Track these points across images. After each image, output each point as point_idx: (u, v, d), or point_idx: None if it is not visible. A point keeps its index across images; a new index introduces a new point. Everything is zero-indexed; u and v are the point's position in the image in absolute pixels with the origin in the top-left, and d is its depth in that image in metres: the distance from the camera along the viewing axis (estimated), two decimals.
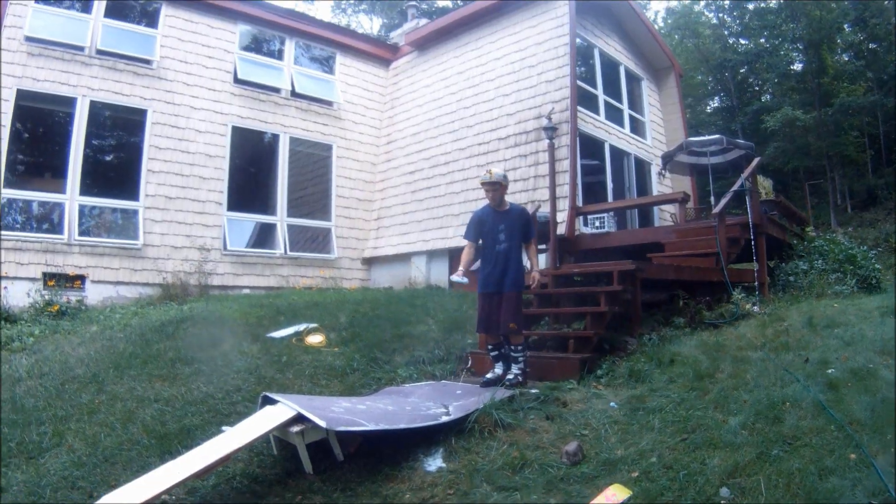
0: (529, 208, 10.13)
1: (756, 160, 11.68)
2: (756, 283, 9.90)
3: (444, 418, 5.86)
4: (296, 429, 5.29)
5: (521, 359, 7.34)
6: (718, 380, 6.34)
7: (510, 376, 7.25)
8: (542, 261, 9.64)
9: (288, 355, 8.40)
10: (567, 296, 9.08)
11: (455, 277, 7.33)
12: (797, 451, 4.58)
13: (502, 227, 7.46)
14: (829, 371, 5.88)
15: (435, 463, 5.38)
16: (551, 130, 13.09)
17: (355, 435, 5.51)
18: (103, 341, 9.10)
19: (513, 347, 7.38)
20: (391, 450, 5.60)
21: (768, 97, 36.72)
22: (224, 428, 5.93)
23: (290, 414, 5.36)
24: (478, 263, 7.82)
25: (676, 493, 4.35)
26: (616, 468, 4.88)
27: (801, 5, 31.34)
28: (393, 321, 9.98)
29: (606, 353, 7.93)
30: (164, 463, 5.25)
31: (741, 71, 36.96)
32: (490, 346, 7.60)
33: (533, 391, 6.73)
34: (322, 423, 5.13)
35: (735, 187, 10.56)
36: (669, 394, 6.22)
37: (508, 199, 7.79)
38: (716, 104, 40.76)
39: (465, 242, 7.70)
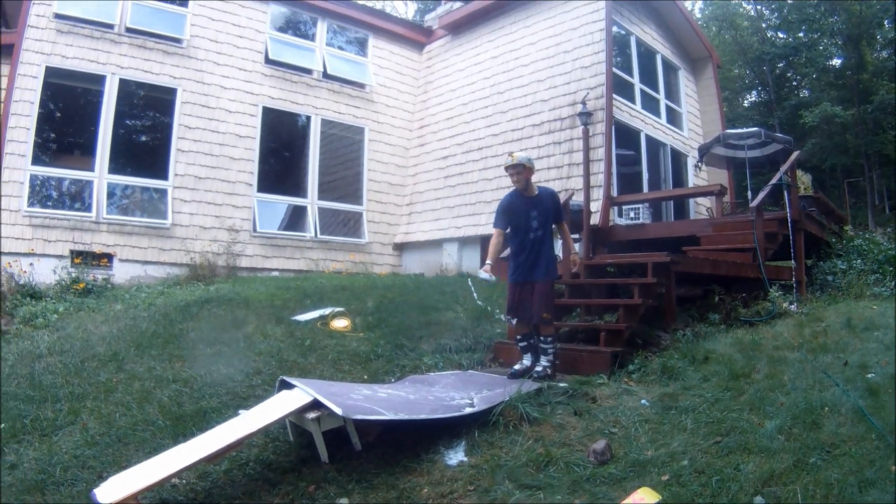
0: (562, 196, 9.83)
1: (795, 154, 11.29)
2: (794, 280, 9.57)
3: (468, 410, 5.61)
4: (312, 415, 5.09)
5: (550, 350, 7.05)
6: (754, 380, 6.04)
7: (538, 368, 6.98)
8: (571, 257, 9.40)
9: (312, 339, 8.23)
10: (599, 287, 8.78)
11: (483, 274, 6.98)
12: (836, 460, 4.30)
13: (535, 214, 7.13)
14: (869, 376, 5.56)
15: (456, 456, 5.14)
16: (586, 116, 12.74)
17: (374, 424, 5.29)
18: (127, 320, 9.03)
19: (542, 339, 7.09)
20: (411, 441, 5.38)
21: (806, 92, 35.83)
22: (240, 411, 5.77)
23: (306, 399, 5.16)
24: (507, 251, 7.54)
25: (708, 500, 4.09)
26: (645, 470, 4.61)
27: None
28: (421, 308, 9.74)
29: (639, 347, 7.62)
30: (176, 445, 5.12)
31: (779, 65, 36.08)
32: (519, 337, 7.31)
33: (561, 385, 6.43)
34: (338, 411, 4.91)
35: (774, 181, 10.21)
36: (703, 393, 5.91)
37: (543, 185, 7.50)
38: (753, 98, 39.87)
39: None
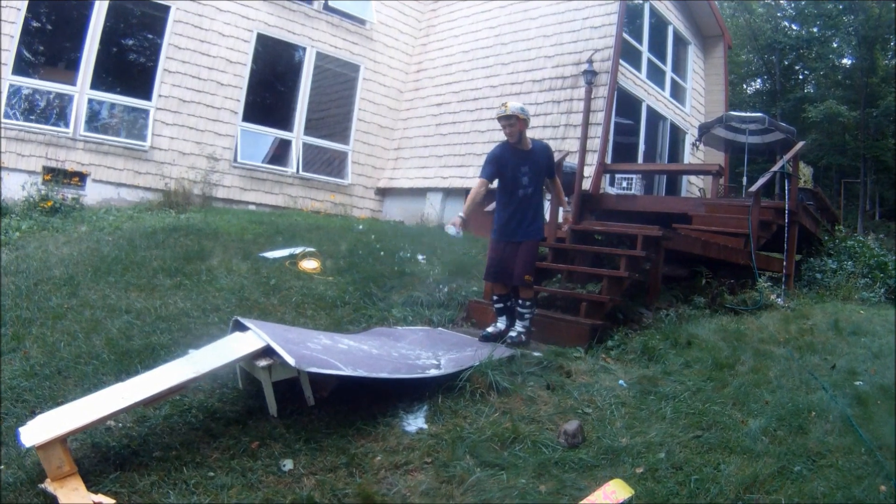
0: (556, 156, 9.36)
1: (800, 144, 10.96)
2: (783, 273, 9.28)
3: (433, 371, 5.21)
4: (262, 363, 4.65)
5: (527, 315, 6.61)
6: (738, 373, 5.72)
7: (513, 333, 6.56)
8: (562, 215, 8.88)
9: (277, 278, 7.80)
10: (584, 254, 8.34)
11: (450, 229, 6.42)
12: (822, 472, 3.99)
13: (525, 170, 6.62)
14: (858, 383, 5.29)
15: (416, 423, 4.75)
16: (591, 74, 12.24)
17: (329, 378, 4.87)
18: (90, 243, 8.65)
19: (520, 302, 6.64)
20: (369, 399, 4.99)
21: (811, 88, 35.50)
22: (190, 350, 5.35)
23: (258, 345, 4.74)
24: (492, 206, 7.08)
25: (685, 501, 3.75)
26: (619, 459, 4.25)
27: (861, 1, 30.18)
28: (396, 256, 9.29)
29: (619, 323, 7.22)
30: (118, 382, 4.70)
31: (789, 57, 35.67)
32: (495, 297, 6.86)
33: (535, 354, 6.03)
34: (291, 361, 4.48)
35: (776, 168, 9.94)
36: (685, 380, 5.57)
37: (538, 140, 7.00)
38: (757, 86, 39.53)
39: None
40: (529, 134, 6.80)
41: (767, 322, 7.17)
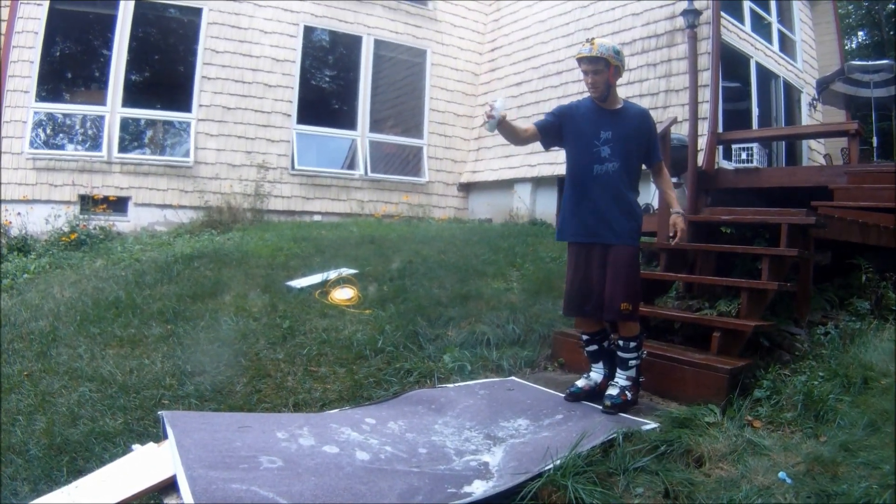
0: (660, 125, 7.09)
1: None
2: None
3: (476, 488, 3.14)
4: (173, 501, 2.79)
5: (632, 363, 4.49)
6: None
7: (612, 391, 4.44)
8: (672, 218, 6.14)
9: (296, 318, 5.98)
10: (708, 255, 6.04)
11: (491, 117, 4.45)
12: None
13: (608, 136, 4.52)
14: None
15: None
16: (693, 15, 9.91)
17: None
18: (96, 282, 7.22)
19: (621, 343, 4.54)
20: None
21: None
22: (134, 446, 3.58)
23: (167, 473, 2.88)
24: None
25: None
26: None
27: None
28: (461, 272, 7.29)
29: (764, 353, 4.97)
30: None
31: (893, 1, 32.09)
32: (585, 337, 4.76)
33: (647, 427, 3.92)
34: None
35: None
36: (873, 458, 3.34)
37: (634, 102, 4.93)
38: (861, 40, 35.87)
39: None
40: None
41: None
